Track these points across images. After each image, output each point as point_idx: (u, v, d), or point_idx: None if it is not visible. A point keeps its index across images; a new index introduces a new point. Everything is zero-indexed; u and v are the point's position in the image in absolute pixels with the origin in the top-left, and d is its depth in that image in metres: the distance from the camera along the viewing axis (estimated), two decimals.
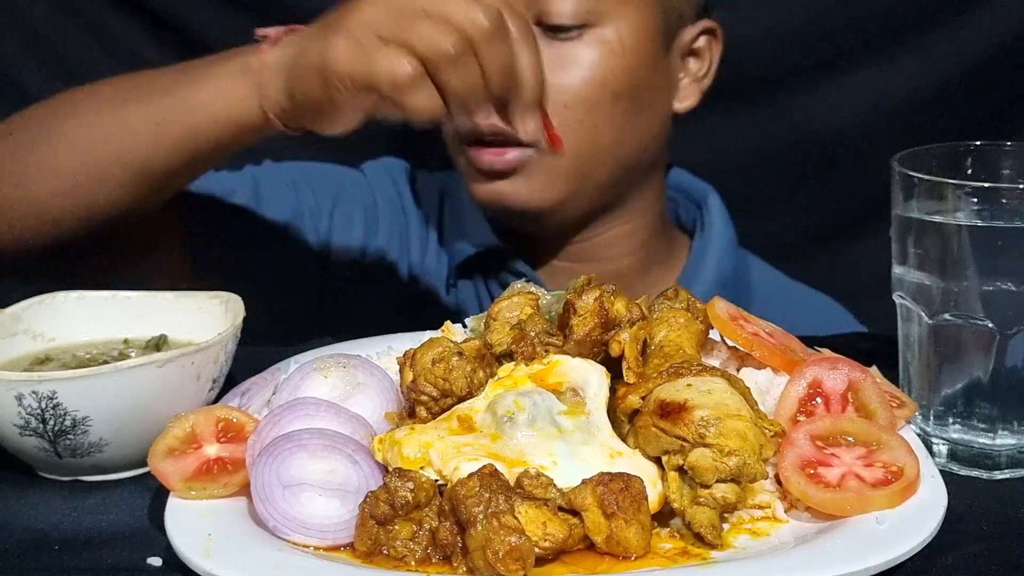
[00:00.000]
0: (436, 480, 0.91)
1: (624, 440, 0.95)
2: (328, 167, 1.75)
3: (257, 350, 1.18)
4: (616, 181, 1.59)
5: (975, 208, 1.03)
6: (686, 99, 1.62)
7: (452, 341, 1.02)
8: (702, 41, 1.61)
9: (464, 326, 1.16)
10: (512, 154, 1.50)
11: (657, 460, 0.93)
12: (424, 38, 1.12)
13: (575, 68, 1.48)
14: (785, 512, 0.94)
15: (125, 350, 1.18)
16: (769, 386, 1.04)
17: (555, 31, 1.47)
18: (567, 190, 1.54)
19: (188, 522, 0.91)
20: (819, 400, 1.01)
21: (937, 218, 1.04)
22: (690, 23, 1.59)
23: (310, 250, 1.66)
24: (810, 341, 1.13)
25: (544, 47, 1.43)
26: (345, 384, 1.04)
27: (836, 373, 1.02)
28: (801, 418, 1.00)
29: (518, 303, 1.08)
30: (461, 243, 1.66)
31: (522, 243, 1.65)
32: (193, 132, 1.29)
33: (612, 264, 1.64)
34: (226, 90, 1.27)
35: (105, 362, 1.13)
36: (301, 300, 1.69)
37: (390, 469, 0.91)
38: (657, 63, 1.55)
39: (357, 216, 1.68)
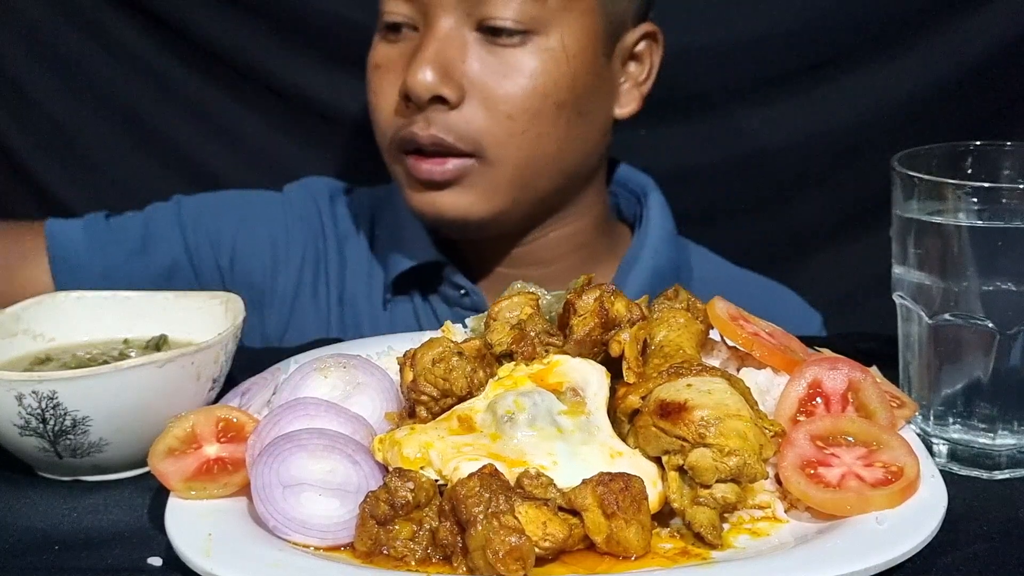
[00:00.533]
0: (436, 480, 0.91)
1: (624, 440, 0.95)
2: (248, 193, 1.73)
3: (257, 350, 1.18)
4: (557, 189, 1.55)
5: (975, 208, 1.03)
6: (627, 105, 1.58)
7: (452, 341, 1.02)
8: (643, 45, 1.58)
9: (464, 326, 1.16)
10: (451, 164, 1.47)
11: (657, 460, 0.93)
12: None
13: (518, 77, 1.45)
14: (785, 512, 0.94)
15: (125, 350, 1.18)
16: (769, 386, 1.04)
17: (496, 34, 1.44)
18: (508, 200, 1.51)
19: (188, 522, 0.91)
20: (819, 400, 1.01)
21: (937, 218, 1.04)
22: (631, 27, 1.55)
23: (215, 281, 1.65)
24: (810, 341, 1.13)
25: (486, 54, 1.44)
26: (345, 384, 1.04)
27: (836, 373, 1.02)
28: (801, 418, 1.00)
29: (518, 303, 1.08)
30: (396, 257, 1.62)
31: (461, 254, 1.62)
32: None
33: (554, 265, 1.62)
34: None
35: (105, 362, 1.13)
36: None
37: (390, 469, 0.91)
38: (599, 70, 1.52)
39: (263, 239, 1.65)
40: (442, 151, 1.46)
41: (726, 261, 1.79)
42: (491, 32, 1.44)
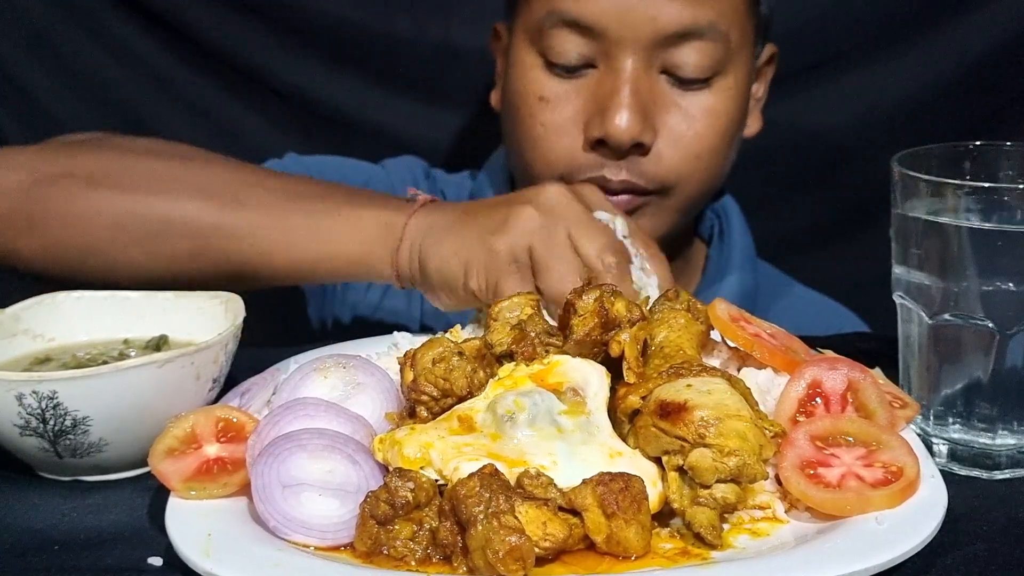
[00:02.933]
0: (436, 480, 0.91)
1: (624, 440, 0.95)
2: (351, 162, 1.73)
3: (257, 350, 1.18)
4: (700, 209, 1.62)
5: (975, 208, 1.04)
6: (752, 125, 1.61)
7: (452, 341, 1.02)
8: (765, 66, 1.60)
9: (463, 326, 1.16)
10: (633, 200, 1.48)
11: (657, 460, 0.93)
12: (555, 282, 1.16)
13: (705, 118, 1.46)
14: (785, 512, 0.94)
15: (125, 350, 1.18)
16: (770, 386, 1.04)
17: (686, 84, 1.45)
18: (672, 224, 1.54)
19: (188, 522, 0.91)
20: (819, 400, 1.01)
21: (937, 218, 1.04)
22: (763, 48, 1.58)
23: None
24: (811, 342, 1.13)
25: (677, 97, 1.45)
26: (345, 384, 1.04)
27: (836, 373, 1.02)
28: (801, 418, 1.00)
29: (518, 303, 1.08)
30: None
31: None
32: (315, 260, 1.31)
33: None
34: (365, 240, 1.28)
35: (105, 362, 1.13)
36: (303, 299, 1.68)
37: (390, 469, 0.91)
38: (749, 98, 1.56)
39: None
40: (627, 190, 1.47)
41: (792, 280, 1.83)
42: (680, 81, 1.45)
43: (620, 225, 1.25)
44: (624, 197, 1.47)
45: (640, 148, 1.44)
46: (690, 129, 1.46)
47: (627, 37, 1.41)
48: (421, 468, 0.92)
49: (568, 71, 1.46)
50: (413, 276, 1.27)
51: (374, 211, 1.29)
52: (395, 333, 1.25)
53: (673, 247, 1.63)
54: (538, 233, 1.19)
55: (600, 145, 1.44)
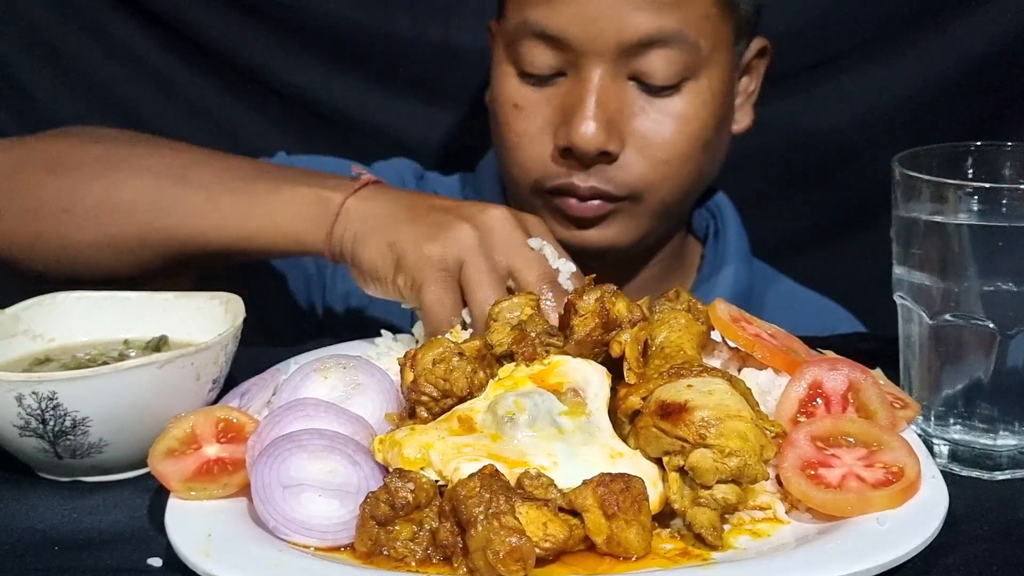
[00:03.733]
0: (436, 481, 0.91)
1: (625, 441, 0.95)
2: (339, 162, 1.73)
3: (257, 350, 1.18)
4: (685, 212, 1.61)
5: (975, 208, 1.03)
6: (742, 120, 1.60)
7: (453, 342, 1.02)
8: (755, 60, 1.59)
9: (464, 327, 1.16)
10: (604, 206, 1.48)
11: (658, 461, 0.93)
12: (478, 303, 1.17)
13: (674, 124, 1.46)
14: (786, 513, 0.94)
15: (125, 350, 1.18)
16: (770, 387, 1.04)
17: (654, 90, 1.45)
18: (649, 229, 1.54)
19: (188, 522, 0.91)
20: (819, 401, 1.01)
21: (937, 218, 1.04)
22: (750, 43, 1.57)
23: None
24: (811, 342, 1.13)
25: (644, 103, 1.45)
26: (345, 385, 1.04)
27: (836, 374, 1.02)
28: (802, 419, 1.00)
29: (518, 303, 1.08)
30: None
31: None
32: (251, 235, 1.32)
33: (635, 276, 1.64)
34: (299, 215, 1.29)
35: (105, 363, 1.13)
36: (302, 299, 1.68)
37: (390, 470, 0.91)
38: (732, 95, 1.55)
39: None
40: (596, 196, 1.47)
41: (786, 278, 1.82)
42: (647, 84, 1.45)
43: (550, 253, 1.25)
44: (594, 203, 1.47)
45: (607, 156, 1.44)
46: (658, 136, 1.45)
47: (593, 47, 1.42)
48: (421, 469, 0.91)
49: (540, 80, 1.47)
50: (344, 256, 1.28)
51: (312, 189, 1.30)
52: (382, 333, 1.26)
53: (665, 247, 1.64)
54: (471, 251, 1.20)
55: (568, 154, 1.45)
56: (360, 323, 1.65)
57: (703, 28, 1.44)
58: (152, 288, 1.25)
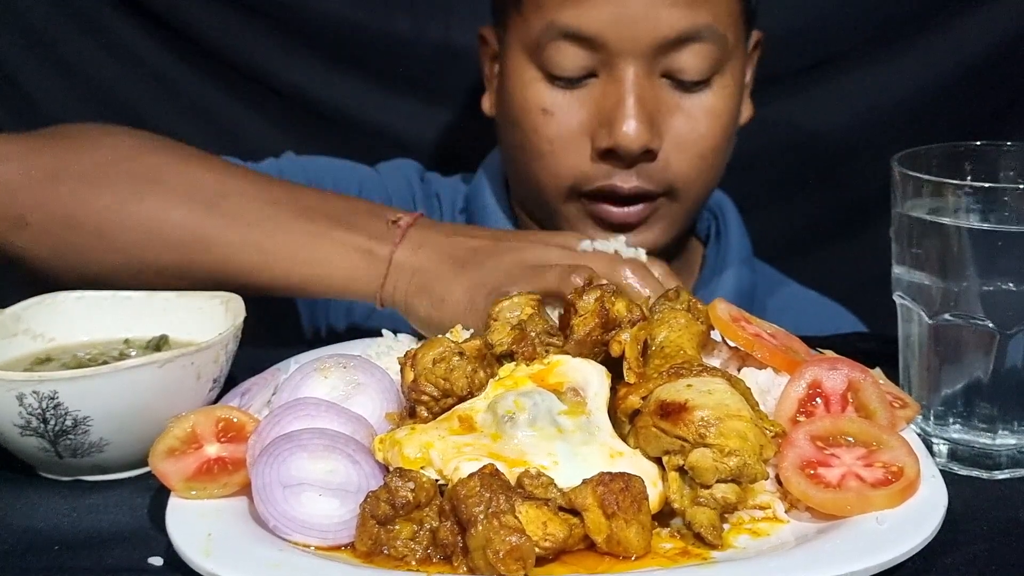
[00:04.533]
0: (437, 480, 0.91)
1: (625, 440, 0.95)
2: (347, 164, 1.73)
3: (257, 350, 1.18)
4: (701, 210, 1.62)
5: (975, 208, 1.04)
6: (744, 111, 1.60)
7: (453, 341, 1.02)
8: (752, 51, 1.60)
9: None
10: (645, 207, 1.49)
11: (658, 460, 0.93)
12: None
13: (708, 119, 1.47)
14: (785, 512, 0.94)
15: (125, 350, 1.18)
16: (770, 386, 1.04)
17: (687, 86, 1.45)
18: (683, 227, 1.55)
19: (188, 522, 0.91)
20: (819, 400, 1.01)
21: (937, 218, 1.04)
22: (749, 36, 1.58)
23: None
24: (811, 342, 1.13)
25: (679, 100, 1.45)
26: (345, 384, 1.04)
27: (835, 373, 1.02)
28: (801, 418, 1.00)
29: (518, 303, 1.08)
30: None
31: None
32: (301, 282, 1.31)
33: None
34: (349, 267, 1.29)
35: (105, 362, 1.13)
36: (305, 310, 1.68)
37: (391, 469, 0.91)
38: (744, 90, 1.56)
39: None
40: (639, 195, 1.47)
41: (790, 280, 1.82)
42: (681, 83, 1.45)
43: (620, 245, 1.26)
44: (637, 208, 1.48)
45: (649, 155, 1.44)
46: (694, 131, 1.46)
47: (628, 46, 1.41)
48: (421, 468, 0.92)
49: (570, 83, 1.46)
50: (398, 308, 1.29)
51: (358, 236, 1.29)
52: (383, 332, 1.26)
53: (671, 249, 1.62)
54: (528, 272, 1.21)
55: (609, 155, 1.45)
56: (359, 333, 1.64)
57: (730, 21, 1.45)
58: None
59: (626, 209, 1.48)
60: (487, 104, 1.63)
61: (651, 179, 1.46)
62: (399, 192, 1.71)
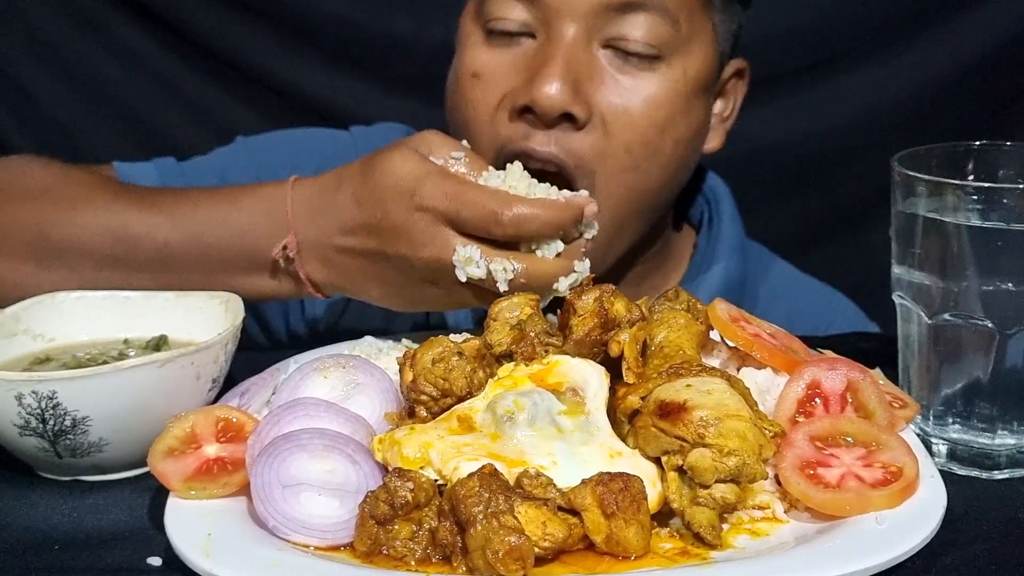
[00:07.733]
0: (436, 480, 0.91)
1: (624, 440, 0.95)
2: (308, 133, 1.67)
3: (257, 350, 1.18)
4: (647, 228, 1.48)
5: (975, 208, 1.04)
6: (711, 141, 1.50)
7: (452, 341, 1.02)
8: (732, 82, 1.52)
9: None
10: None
11: (657, 460, 0.93)
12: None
13: (642, 105, 1.35)
14: (785, 512, 0.94)
15: (125, 350, 1.18)
16: (769, 386, 1.04)
17: (626, 56, 1.35)
18: (620, 251, 1.44)
19: (188, 522, 0.91)
20: (818, 400, 1.01)
21: (937, 218, 1.04)
22: (727, 63, 1.49)
23: None
24: (811, 342, 1.13)
25: (614, 73, 1.35)
26: (345, 384, 1.04)
27: (835, 374, 1.02)
28: (800, 419, 1.00)
29: (518, 303, 1.08)
30: None
31: None
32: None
33: (616, 275, 1.53)
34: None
35: (105, 362, 1.13)
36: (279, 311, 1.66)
37: (390, 469, 0.91)
38: (707, 107, 1.46)
39: None
40: (551, 173, 1.35)
41: (784, 262, 1.74)
42: (620, 53, 1.36)
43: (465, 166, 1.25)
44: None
45: (570, 122, 1.33)
46: (626, 113, 1.35)
47: (569, 5, 1.34)
48: (421, 468, 0.92)
49: (507, 38, 1.38)
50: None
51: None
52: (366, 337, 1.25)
53: (649, 249, 1.56)
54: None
55: (527, 113, 1.34)
56: (344, 331, 1.62)
57: (683, 5, 1.37)
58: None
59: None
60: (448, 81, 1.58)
61: (571, 154, 1.34)
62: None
